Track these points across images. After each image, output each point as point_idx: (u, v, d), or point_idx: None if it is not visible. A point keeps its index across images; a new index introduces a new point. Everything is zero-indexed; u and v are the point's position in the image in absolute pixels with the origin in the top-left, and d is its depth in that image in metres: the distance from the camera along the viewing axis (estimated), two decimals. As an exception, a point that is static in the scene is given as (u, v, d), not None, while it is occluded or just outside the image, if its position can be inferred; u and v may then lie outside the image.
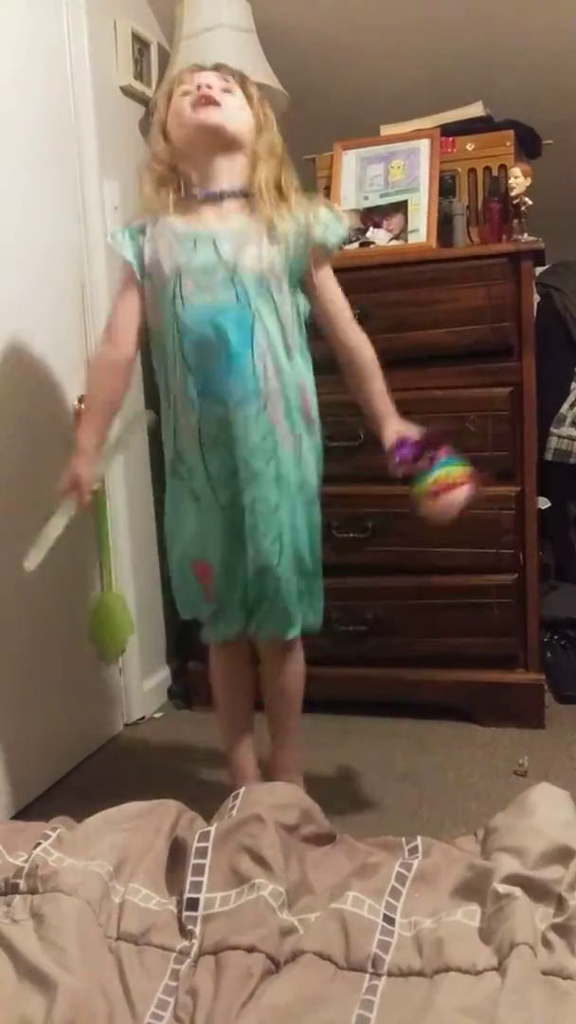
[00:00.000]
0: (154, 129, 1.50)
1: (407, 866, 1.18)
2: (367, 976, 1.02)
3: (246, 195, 1.44)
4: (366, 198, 2.13)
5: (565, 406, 2.42)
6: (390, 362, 1.54)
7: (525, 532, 2.00)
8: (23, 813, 1.72)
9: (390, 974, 1.02)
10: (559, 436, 2.40)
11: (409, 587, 2.06)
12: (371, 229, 2.10)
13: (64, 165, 2.00)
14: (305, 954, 1.04)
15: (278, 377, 1.42)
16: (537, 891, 1.08)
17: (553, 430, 2.40)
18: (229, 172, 1.44)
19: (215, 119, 1.40)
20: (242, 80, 1.47)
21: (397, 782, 1.80)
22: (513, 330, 1.95)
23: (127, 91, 2.22)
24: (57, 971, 1.00)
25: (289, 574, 1.47)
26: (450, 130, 2.12)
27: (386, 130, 2.22)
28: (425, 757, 1.91)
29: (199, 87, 1.40)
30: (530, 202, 1.93)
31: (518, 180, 1.93)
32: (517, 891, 1.07)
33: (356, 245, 2.08)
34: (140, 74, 2.25)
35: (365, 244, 2.09)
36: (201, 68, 1.46)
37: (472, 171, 2.11)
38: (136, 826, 1.26)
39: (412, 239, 2.06)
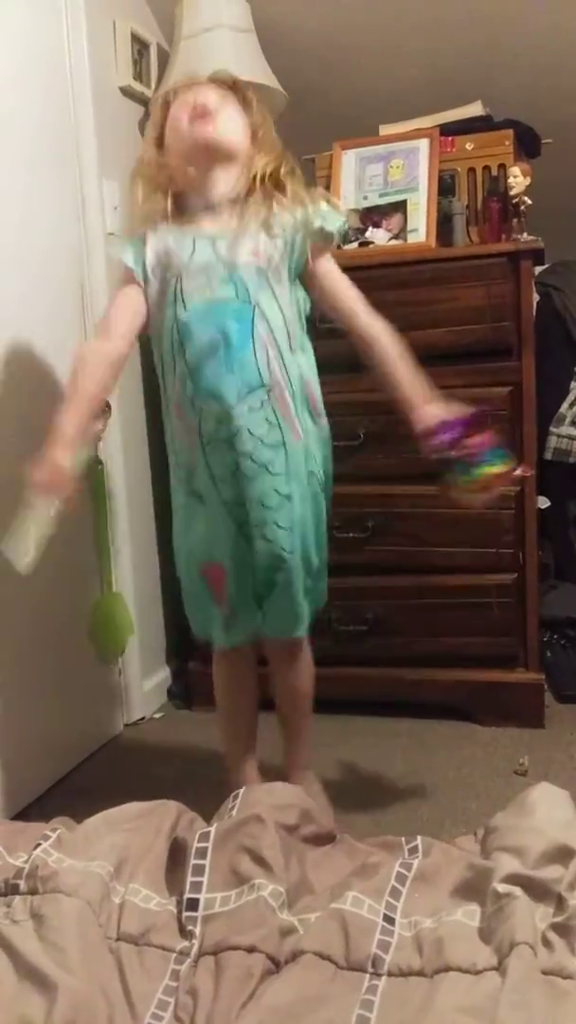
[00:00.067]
0: (148, 135, 1.51)
1: (407, 866, 1.18)
2: (367, 976, 1.02)
3: (245, 197, 1.44)
4: (365, 198, 2.13)
5: (564, 405, 2.42)
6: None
7: (525, 531, 2.00)
8: (23, 813, 1.72)
9: (390, 974, 1.02)
10: (559, 435, 2.40)
11: (409, 587, 2.06)
12: (370, 229, 2.09)
13: (64, 165, 2.00)
14: (305, 954, 1.04)
15: (281, 368, 1.41)
16: (537, 891, 1.08)
17: (553, 429, 2.40)
18: (225, 182, 1.44)
19: (212, 135, 1.41)
20: (238, 86, 1.47)
21: (397, 782, 1.80)
22: (513, 330, 1.95)
23: (126, 91, 2.23)
24: (57, 972, 1.00)
25: (299, 568, 1.46)
26: (449, 130, 2.12)
27: (385, 130, 2.22)
28: (425, 757, 1.91)
29: (195, 106, 1.41)
30: (529, 201, 1.92)
31: (517, 179, 1.93)
32: (517, 891, 1.07)
33: (355, 245, 2.08)
34: (139, 74, 2.26)
35: (364, 244, 2.08)
36: (196, 82, 1.47)
37: (471, 170, 2.10)
38: (136, 826, 1.26)
39: (411, 239, 2.06)
